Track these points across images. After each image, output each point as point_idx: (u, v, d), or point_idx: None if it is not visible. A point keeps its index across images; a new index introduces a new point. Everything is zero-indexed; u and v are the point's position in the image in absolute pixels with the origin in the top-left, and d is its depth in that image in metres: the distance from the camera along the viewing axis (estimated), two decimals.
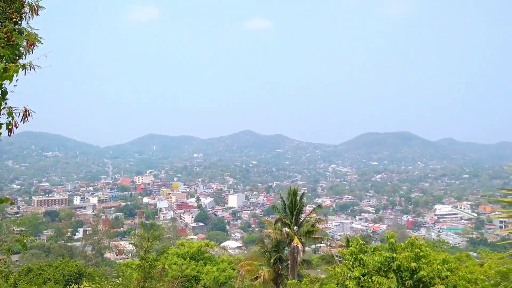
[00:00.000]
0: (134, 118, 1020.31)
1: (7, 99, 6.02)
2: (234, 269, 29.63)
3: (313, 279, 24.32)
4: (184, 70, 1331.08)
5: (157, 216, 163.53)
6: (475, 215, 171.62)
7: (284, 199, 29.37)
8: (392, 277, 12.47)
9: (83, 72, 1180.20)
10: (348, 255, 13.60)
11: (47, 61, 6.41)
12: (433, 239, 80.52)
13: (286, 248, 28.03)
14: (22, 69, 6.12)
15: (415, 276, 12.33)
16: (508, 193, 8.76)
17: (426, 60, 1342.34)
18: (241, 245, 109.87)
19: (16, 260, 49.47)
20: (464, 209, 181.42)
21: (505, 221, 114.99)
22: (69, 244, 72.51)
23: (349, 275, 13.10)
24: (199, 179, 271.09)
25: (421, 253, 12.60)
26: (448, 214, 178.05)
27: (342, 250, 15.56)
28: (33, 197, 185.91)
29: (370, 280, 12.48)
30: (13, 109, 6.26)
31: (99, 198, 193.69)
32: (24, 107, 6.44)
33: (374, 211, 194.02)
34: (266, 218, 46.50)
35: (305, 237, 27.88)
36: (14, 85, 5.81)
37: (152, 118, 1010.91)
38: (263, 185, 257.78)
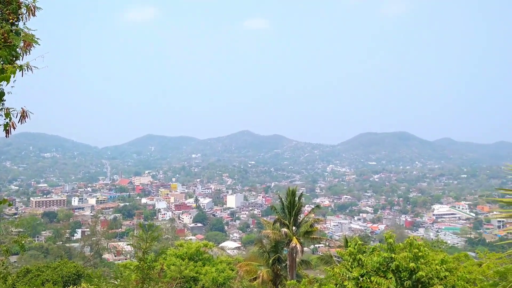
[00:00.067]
0: (132, 119, 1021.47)
1: (5, 100, 6.02)
2: (232, 270, 29.57)
3: (312, 279, 24.34)
4: (182, 71, 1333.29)
5: (155, 217, 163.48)
6: (473, 215, 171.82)
7: (283, 199, 29.33)
8: (390, 278, 12.48)
9: (81, 73, 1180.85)
10: (347, 255, 13.58)
11: (44, 62, 6.39)
12: (432, 239, 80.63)
13: (285, 248, 27.99)
14: (19, 70, 6.11)
15: (413, 277, 12.34)
16: (506, 193, 8.78)
17: (424, 60, 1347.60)
18: (239, 245, 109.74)
19: (15, 261, 49.27)
20: (462, 209, 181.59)
21: (503, 221, 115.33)
22: (67, 245, 72.31)
23: (347, 275, 13.10)
24: (198, 180, 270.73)
25: (420, 253, 12.61)
26: (446, 214, 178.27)
27: (341, 251, 15.56)
28: (31, 198, 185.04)
29: (368, 280, 12.48)
30: (11, 110, 6.26)
31: (97, 199, 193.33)
32: (21, 108, 6.44)
33: (372, 211, 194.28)
34: (265, 218, 46.37)
35: (304, 237, 27.83)
36: (12, 86, 5.82)
37: (150, 118, 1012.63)
38: (262, 186, 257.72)
